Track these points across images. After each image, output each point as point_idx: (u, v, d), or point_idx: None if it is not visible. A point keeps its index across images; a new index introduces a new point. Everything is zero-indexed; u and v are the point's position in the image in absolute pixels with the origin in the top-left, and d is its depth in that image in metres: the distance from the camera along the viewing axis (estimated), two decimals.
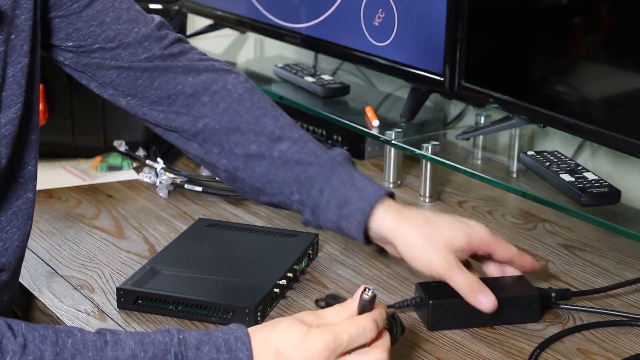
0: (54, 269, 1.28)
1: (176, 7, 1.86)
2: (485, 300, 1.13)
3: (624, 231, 1.29)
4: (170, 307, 1.16)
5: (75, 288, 1.23)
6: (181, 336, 0.93)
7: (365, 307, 0.99)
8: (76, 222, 1.43)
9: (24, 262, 1.29)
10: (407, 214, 1.17)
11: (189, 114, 1.24)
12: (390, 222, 1.16)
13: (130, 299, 1.17)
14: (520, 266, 1.20)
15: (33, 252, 1.33)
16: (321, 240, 1.36)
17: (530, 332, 1.14)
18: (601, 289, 1.24)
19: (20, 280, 1.25)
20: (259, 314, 1.14)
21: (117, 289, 1.18)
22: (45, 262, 1.30)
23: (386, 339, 0.98)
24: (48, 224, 1.42)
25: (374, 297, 0.98)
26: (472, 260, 1.20)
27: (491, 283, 1.18)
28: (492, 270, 1.21)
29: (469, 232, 1.16)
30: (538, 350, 1.09)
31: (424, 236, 1.15)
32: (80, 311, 1.18)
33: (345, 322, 0.97)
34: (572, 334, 1.14)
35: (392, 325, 1.03)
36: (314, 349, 0.94)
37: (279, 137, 1.23)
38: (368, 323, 0.96)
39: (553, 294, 1.18)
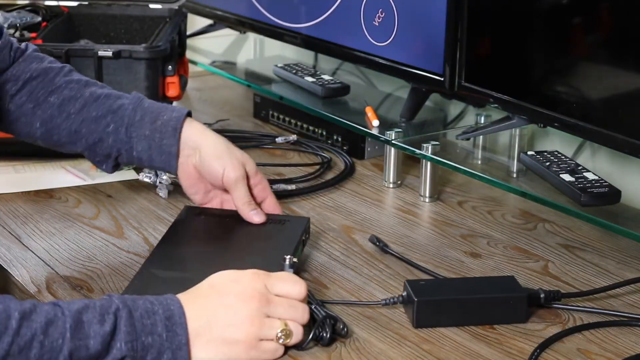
0: (54, 269, 1.28)
1: (176, 7, 1.86)
2: (256, 217, 1.30)
3: (624, 231, 1.29)
4: None
5: (75, 288, 1.23)
6: (118, 295, 1.02)
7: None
8: (76, 222, 1.43)
9: (23, 262, 1.29)
10: (210, 129, 1.34)
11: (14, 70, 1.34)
12: (199, 129, 1.32)
13: None
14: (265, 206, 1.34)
15: (33, 252, 1.33)
16: (321, 241, 1.36)
17: (530, 332, 1.14)
18: (591, 291, 1.23)
19: (20, 280, 1.25)
20: None
21: None
22: (45, 262, 1.30)
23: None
24: (48, 224, 1.42)
25: (294, 263, 1.14)
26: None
27: (479, 282, 1.19)
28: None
29: (252, 160, 1.34)
30: (538, 351, 1.09)
31: (226, 147, 1.32)
32: None
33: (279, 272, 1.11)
34: (572, 334, 1.14)
35: (323, 323, 1.08)
36: (244, 276, 1.06)
37: (87, 82, 1.34)
38: (300, 281, 1.09)
39: (542, 295, 1.18)
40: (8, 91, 1.32)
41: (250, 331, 1.03)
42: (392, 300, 1.17)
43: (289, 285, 1.08)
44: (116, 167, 1.33)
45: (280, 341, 1.04)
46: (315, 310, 1.11)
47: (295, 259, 1.16)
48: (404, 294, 1.17)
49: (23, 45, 1.38)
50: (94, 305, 0.99)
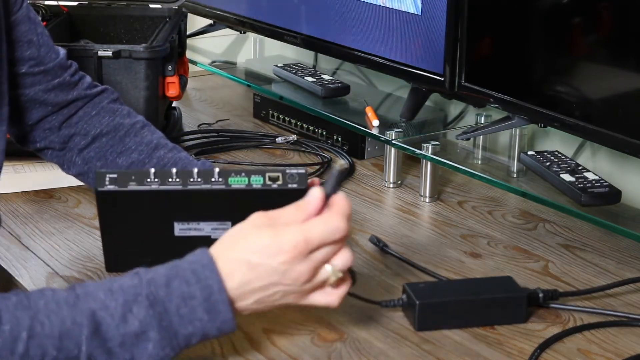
0: (53, 269, 1.28)
1: (176, 7, 1.86)
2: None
3: (624, 231, 1.29)
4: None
5: None
6: (149, 276, 0.94)
7: (337, 178, 0.98)
8: (76, 222, 1.43)
9: (23, 262, 1.29)
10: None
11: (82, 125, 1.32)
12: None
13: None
14: None
15: (33, 252, 1.33)
16: None
17: (530, 332, 1.14)
18: (589, 290, 1.24)
19: (21, 280, 1.25)
20: None
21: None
22: (45, 262, 1.30)
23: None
24: (48, 224, 1.42)
25: (345, 169, 0.99)
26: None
27: (479, 283, 1.20)
28: None
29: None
30: (538, 351, 1.09)
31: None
32: None
33: (318, 221, 0.97)
34: (572, 334, 1.14)
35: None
36: (284, 251, 0.95)
37: (157, 144, 1.30)
38: (340, 222, 0.97)
39: (541, 295, 1.18)
40: (77, 145, 1.32)
41: (299, 297, 0.99)
42: (391, 302, 1.17)
43: (328, 232, 0.96)
44: None
45: (332, 280, 0.99)
46: None
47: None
48: (404, 297, 1.17)
49: (99, 88, 1.35)
50: (116, 299, 0.92)
